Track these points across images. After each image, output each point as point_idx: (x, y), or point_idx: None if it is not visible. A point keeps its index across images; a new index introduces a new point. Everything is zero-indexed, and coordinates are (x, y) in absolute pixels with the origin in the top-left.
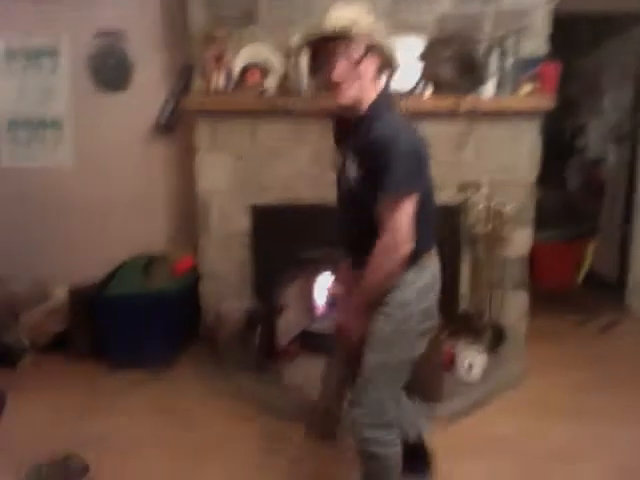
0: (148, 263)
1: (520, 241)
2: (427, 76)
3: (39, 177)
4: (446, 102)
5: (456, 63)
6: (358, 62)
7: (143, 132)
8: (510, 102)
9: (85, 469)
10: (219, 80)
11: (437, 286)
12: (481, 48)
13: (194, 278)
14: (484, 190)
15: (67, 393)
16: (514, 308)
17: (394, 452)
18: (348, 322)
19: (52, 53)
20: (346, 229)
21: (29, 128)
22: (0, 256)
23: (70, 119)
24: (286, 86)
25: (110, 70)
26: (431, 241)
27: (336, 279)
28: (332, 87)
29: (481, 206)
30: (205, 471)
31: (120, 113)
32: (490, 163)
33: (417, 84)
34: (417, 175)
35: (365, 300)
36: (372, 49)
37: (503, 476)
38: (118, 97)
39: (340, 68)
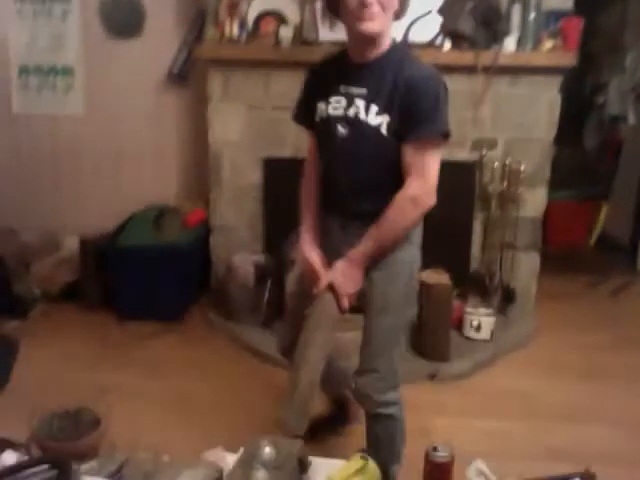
0: (159, 215)
1: (534, 201)
2: (446, 29)
3: (50, 125)
4: (465, 56)
5: (476, 16)
6: None
7: (155, 81)
8: (531, 58)
9: (97, 422)
10: (233, 28)
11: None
12: (503, 1)
13: (205, 230)
14: (500, 148)
15: (78, 343)
16: (525, 269)
17: (402, 414)
18: (346, 279)
19: None
20: (342, 181)
21: (40, 75)
22: (10, 206)
23: (81, 66)
24: (302, 36)
25: (122, 16)
26: None
27: (307, 231)
28: (361, 12)
29: (496, 164)
30: (214, 423)
31: (132, 61)
32: (507, 120)
33: (435, 37)
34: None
35: (373, 254)
36: None
37: (512, 434)
38: (130, 44)
39: None
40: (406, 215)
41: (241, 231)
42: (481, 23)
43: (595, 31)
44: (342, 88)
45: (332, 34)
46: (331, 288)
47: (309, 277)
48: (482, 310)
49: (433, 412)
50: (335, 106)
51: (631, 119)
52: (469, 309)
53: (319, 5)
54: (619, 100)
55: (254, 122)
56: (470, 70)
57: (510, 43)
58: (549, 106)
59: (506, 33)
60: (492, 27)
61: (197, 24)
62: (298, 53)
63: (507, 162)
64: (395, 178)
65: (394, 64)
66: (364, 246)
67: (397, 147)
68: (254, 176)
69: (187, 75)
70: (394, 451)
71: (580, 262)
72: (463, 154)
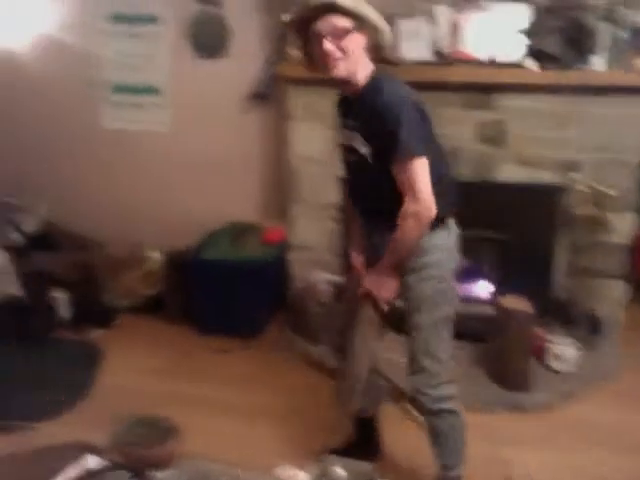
0: (239, 231)
1: (622, 227)
2: (532, 49)
3: (136, 141)
4: (550, 76)
5: (563, 34)
6: (346, 33)
7: (238, 99)
8: (619, 77)
9: (174, 431)
10: None
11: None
12: (591, 17)
13: (283, 248)
14: (586, 170)
15: (158, 354)
16: (611, 297)
17: (459, 408)
18: (380, 286)
19: (154, 20)
20: (362, 200)
21: (131, 93)
22: (99, 219)
23: (169, 85)
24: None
25: (209, 37)
26: (453, 205)
27: (353, 242)
28: (325, 61)
29: (582, 187)
30: (285, 438)
31: (217, 80)
32: (594, 142)
33: (521, 56)
34: (425, 137)
35: (394, 263)
36: (360, 24)
37: (596, 470)
38: (216, 64)
39: (330, 40)
40: (411, 231)
41: (319, 249)
42: (568, 42)
43: None
44: (346, 120)
45: (414, 53)
46: (370, 295)
47: (356, 281)
48: (565, 339)
49: (512, 443)
50: (344, 135)
51: None
52: (552, 338)
53: (401, 25)
54: None
55: (332, 140)
56: (556, 89)
57: (598, 62)
58: (638, 127)
59: (594, 52)
60: (579, 46)
61: (280, 44)
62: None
63: (593, 185)
64: (400, 197)
65: (371, 95)
66: (386, 258)
67: (388, 172)
68: (333, 194)
69: (269, 94)
70: (458, 449)
71: None
72: (546, 176)
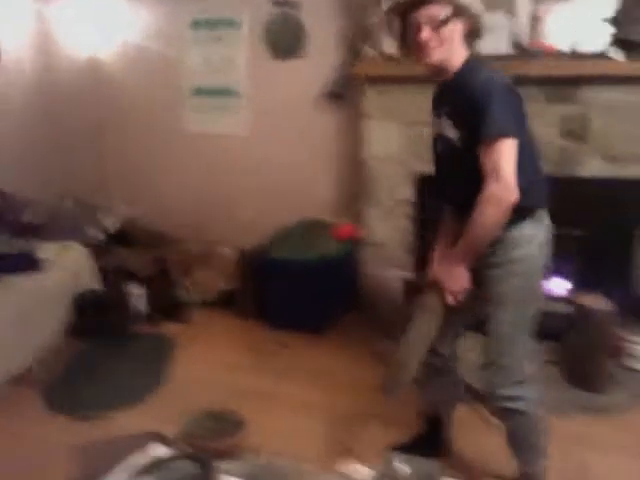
0: (311, 228)
1: None
2: (618, 39)
3: (216, 142)
4: (637, 66)
5: None
6: (444, 23)
7: (315, 99)
8: None
9: (241, 424)
10: (389, 45)
11: (550, 244)
12: None
13: (355, 245)
14: None
15: (229, 349)
16: None
17: (535, 408)
18: (450, 276)
19: (232, 23)
20: (450, 188)
21: (211, 95)
22: (176, 216)
23: (247, 87)
24: None
25: (286, 39)
26: (544, 197)
27: (438, 237)
28: (420, 49)
29: None
30: (352, 435)
31: (294, 81)
32: None
33: (607, 47)
34: (515, 120)
35: (468, 252)
36: (459, 12)
37: None
38: (293, 65)
39: (427, 29)
40: (488, 215)
41: (392, 247)
42: None
43: None
44: (438, 108)
45: (489, 48)
46: (438, 284)
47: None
48: None
49: (588, 446)
50: (434, 123)
51: None
52: (631, 337)
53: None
54: None
55: (408, 138)
56: None
57: None
58: None
59: None
60: None
61: (355, 44)
62: None
63: None
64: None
65: (465, 78)
66: (460, 246)
67: (475, 157)
68: (406, 191)
69: (344, 93)
70: (534, 445)
71: None
72: (629, 171)
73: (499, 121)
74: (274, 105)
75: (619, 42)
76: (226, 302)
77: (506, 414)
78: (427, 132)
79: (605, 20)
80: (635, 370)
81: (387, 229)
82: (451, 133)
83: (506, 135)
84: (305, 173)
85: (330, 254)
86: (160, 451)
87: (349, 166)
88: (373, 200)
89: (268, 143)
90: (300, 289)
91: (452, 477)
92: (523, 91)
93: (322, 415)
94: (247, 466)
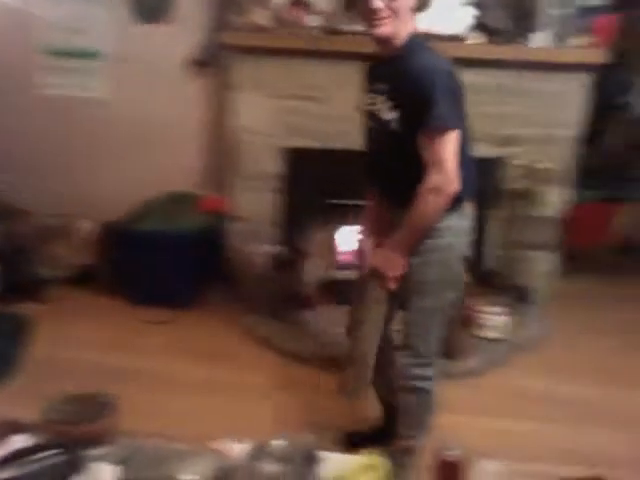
0: (175, 201)
1: (557, 200)
2: (478, 22)
3: (70, 107)
4: (493, 50)
5: (509, 9)
6: None
7: (179, 67)
8: (562, 54)
9: (109, 406)
10: (260, 16)
11: (472, 233)
12: None
13: (221, 218)
14: (525, 145)
15: (91, 327)
16: (542, 269)
17: (434, 388)
18: (389, 263)
19: None
20: (380, 171)
21: (70, 57)
22: (29, 188)
23: (108, 50)
24: (330, 25)
25: (150, 1)
26: (473, 189)
27: (364, 222)
28: (371, 17)
29: (520, 162)
30: (224, 410)
31: (158, 46)
32: (534, 117)
33: (465, 29)
34: (458, 111)
35: (408, 241)
36: None
37: (522, 435)
38: (157, 29)
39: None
40: (430, 205)
41: (258, 220)
42: (513, 17)
43: (626, 28)
44: (373, 84)
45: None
46: (377, 272)
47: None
48: (496, 309)
49: (442, 409)
50: (367, 101)
51: None
52: (482, 308)
53: None
54: None
55: (277, 111)
56: (499, 64)
57: (542, 38)
58: (578, 104)
59: (538, 27)
60: (524, 21)
61: (223, 10)
62: (326, 43)
63: (531, 160)
64: (422, 169)
65: (406, 58)
66: (399, 234)
67: (413, 141)
68: (273, 165)
69: (211, 61)
70: (424, 422)
71: (600, 263)
72: (486, 150)
73: (444, 113)
74: (138, 70)
75: (478, 26)
76: (87, 278)
77: (413, 392)
78: (295, 105)
79: (465, 3)
80: (485, 338)
81: (253, 203)
82: (388, 115)
83: (450, 128)
84: (171, 143)
85: (196, 227)
86: (19, 441)
87: (217, 138)
88: (240, 173)
89: (132, 109)
90: (164, 263)
91: (328, 450)
92: None
93: (199, 391)
94: (118, 450)
